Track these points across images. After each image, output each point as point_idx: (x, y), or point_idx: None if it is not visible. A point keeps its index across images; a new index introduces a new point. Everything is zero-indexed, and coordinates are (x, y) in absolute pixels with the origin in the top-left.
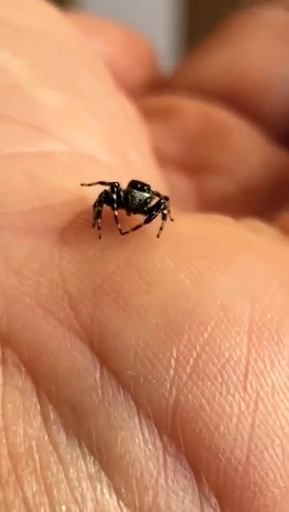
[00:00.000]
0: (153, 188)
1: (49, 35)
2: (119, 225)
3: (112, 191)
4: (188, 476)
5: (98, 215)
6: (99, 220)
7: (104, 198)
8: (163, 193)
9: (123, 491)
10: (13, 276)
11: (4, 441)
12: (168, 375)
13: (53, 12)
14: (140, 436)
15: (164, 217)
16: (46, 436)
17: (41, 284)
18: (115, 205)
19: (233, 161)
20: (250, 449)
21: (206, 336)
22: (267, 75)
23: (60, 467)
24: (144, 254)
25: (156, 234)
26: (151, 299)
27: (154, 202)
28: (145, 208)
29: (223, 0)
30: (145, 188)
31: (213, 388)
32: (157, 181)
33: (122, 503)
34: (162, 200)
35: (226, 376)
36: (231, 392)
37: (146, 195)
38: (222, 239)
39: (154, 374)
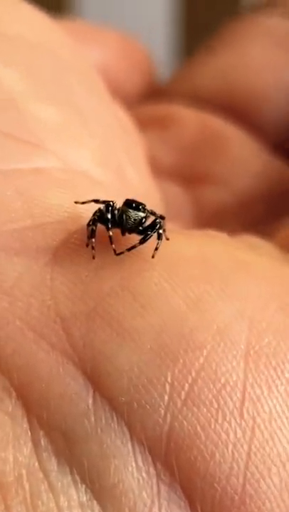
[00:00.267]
0: (148, 207)
1: (42, 44)
2: (113, 245)
3: (107, 210)
4: (182, 505)
5: (92, 234)
6: (93, 240)
7: (99, 217)
8: (159, 206)
9: None
10: (4, 297)
11: None
12: (162, 401)
13: (45, 20)
14: (133, 464)
15: (159, 236)
16: (37, 464)
17: (32, 305)
18: (110, 225)
19: (230, 171)
20: (247, 478)
21: (201, 360)
22: (265, 84)
23: (51, 495)
24: (139, 275)
25: (151, 254)
26: (145, 322)
27: (149, 221)
28: (140, 228)
29: (222, 2)
30: (140, 207)
31: (209, 415)
32: (153, 194)
33: None
34: (158, 220)
35: (222, 402)
36: (227, 419)
37: (142, 214)
38: (220, 260)
39: (148, 400)
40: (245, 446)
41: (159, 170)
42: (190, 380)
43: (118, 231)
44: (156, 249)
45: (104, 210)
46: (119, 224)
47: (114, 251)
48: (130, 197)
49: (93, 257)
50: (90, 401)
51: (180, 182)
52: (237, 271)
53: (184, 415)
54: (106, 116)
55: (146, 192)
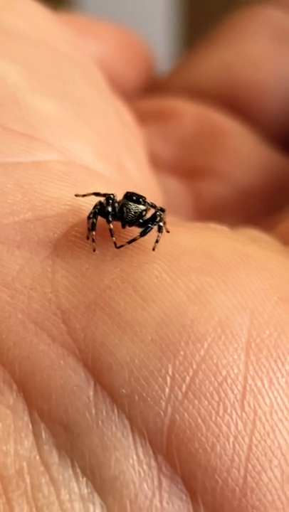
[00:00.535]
0: (149, 200)
1: (42, 38)
2: (114, 238)
3: (108, 203)
4: (183, 497)
5: (93, 227)
6: (93, 233)
7: (99, 210)
8: (159, 200)
9: None
10: (5, 290)
11: None
12: (163, 394)
13: (45, 14)
14: (134, 457)
15: (159, 229)
16: (38, 457)
17: (33, 298)
18: (110, 218)
19: (230, 165)
20: (248, 470)
21: (202, 352)
22: (265, 77)
23: (52, 488)
24: (140, 268)
25: (152, 247)
26: (146, 314)
27: (149, 214)
28: (141, 221)
29: None
30: (141, 200)
31: (210, 407)
32: (153, 188)
33: None
34: (158, 212)
35: (223, 394)
36: (228, 411)
37: (142, 207)
38: (220, 252)
39: (149, 392)
40: (246, 439)
41: (158, 164)
42: (191, 373)
43: (118, 224)
44: (157, 241)
45: (104, 203)
46: (120, 217)
47: (115, 244)
48: (130, 190)
49: (94, 250)
50: (91, 393)
51: (180, 176)
52: (238, 263)
53: (185, 407)
54: (106, 109)
55: (145, 185)
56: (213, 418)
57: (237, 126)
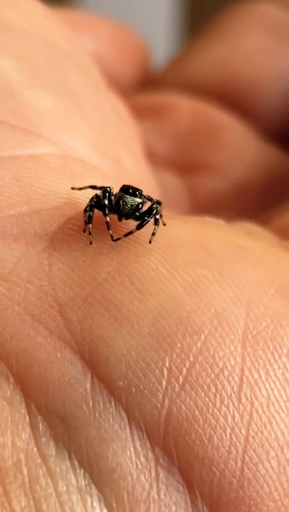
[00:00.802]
0: (145, 193)
1: (39, 33)
2: (110, 231)
3: (104, 196)
4: (181, 489)
5: (89, 220)
6: (90, 226)
7: (96, 203)
8: (155, 194)
9: (114, 504)
10: (2, 283)
11: None
12: (160, 386)
13: (41, 9)
14: (132, 449)
15: (156, 222)
16: (35, 449)
17: (30, 291)
18: (107, 211)
19: (225, 159)
20: (245, 462)
21: (199, 344)
22: (260, 72)
23: (50, 480)
24: (137, 261)
25: (148, 240)
26: (143, 307)
27: (146, 207)
28: (137, 214)
29: None
30: (137, 193)
31: (207, 399)
32: (149, 182)
33: None
34: (154, 205)
35: (220, 386)
36: (225, 403)
37: (138, 200)
38: (216, 245)
39: (146, 384)
40: (243, 430)
41: (154, 158)
42: (188, 365)
43: (115, 217)
44: (153, 234)
45: (101, 196)
46: (116, 210)
47: (112, 237)
48: (127, 183)
49: (90, 243)
50: (88, 386)
51: (175, 170)
52: (234, 256)
53: (182, 399)
54: (102, 103)
55: (142, 179)
56: (210, 410)
57: (232, 120)
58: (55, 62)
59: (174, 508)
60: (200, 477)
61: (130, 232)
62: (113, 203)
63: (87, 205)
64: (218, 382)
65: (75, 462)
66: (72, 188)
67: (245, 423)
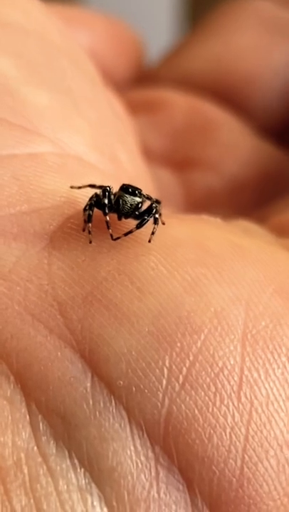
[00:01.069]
0: (144, 192)
1: (35, 30)
2: (110, 230)
3: (104, 195)
4: (180, 488)
5: (89, 219)
6: (89, 225)
7: (95, 202)
8: (151, 191)
9: (114, 503)
10: (2, 282)
11: None
12: (160, 385)
13: (37, 6)
14: (132, 448)
15: (155, 221)
16: (35, 448)
17: (30, 290)
18: (107, 210)
19: (220, 156)
20: (245, 461)
21: (199, 344)
22: (254, 68)
23: (50, 479)
24: (136, 260)
25: (148, 239)
26: (143, 306)
27: (145, 206)
28: (137, 213)
29: None
30: (137, 192)
31: (207, 398)
32: (146, 179)
33: None
34: (154, 204)
35: (220, 385)
36: (225, 402)
37: (138, 199)
38: (215, 244)
39: (147, 384)
40: (243, 429)
41: (150, 155)
42: (188, 364)
43: (114, 216)
44: (153, 233)
45: (101, 195)
46: (116, 209)
47: (111, 236)
48: (125, 181)
49: (90, 242)
50: (89, 384)
51: (170, 167)
52: (232, 255)
53: (182, 399)
54: (99, 101)
55: (138, 176)
56: (210, 409)
57: (227, 117)
58: (51, 59)
59: (173, 506)
60: (200, 476)
61: (130, 232)
62: (113, 202)
63: (87, 204)
64: (217, 381)
65: (76, 461)
66: (72, 187)
67: (244, 422)
